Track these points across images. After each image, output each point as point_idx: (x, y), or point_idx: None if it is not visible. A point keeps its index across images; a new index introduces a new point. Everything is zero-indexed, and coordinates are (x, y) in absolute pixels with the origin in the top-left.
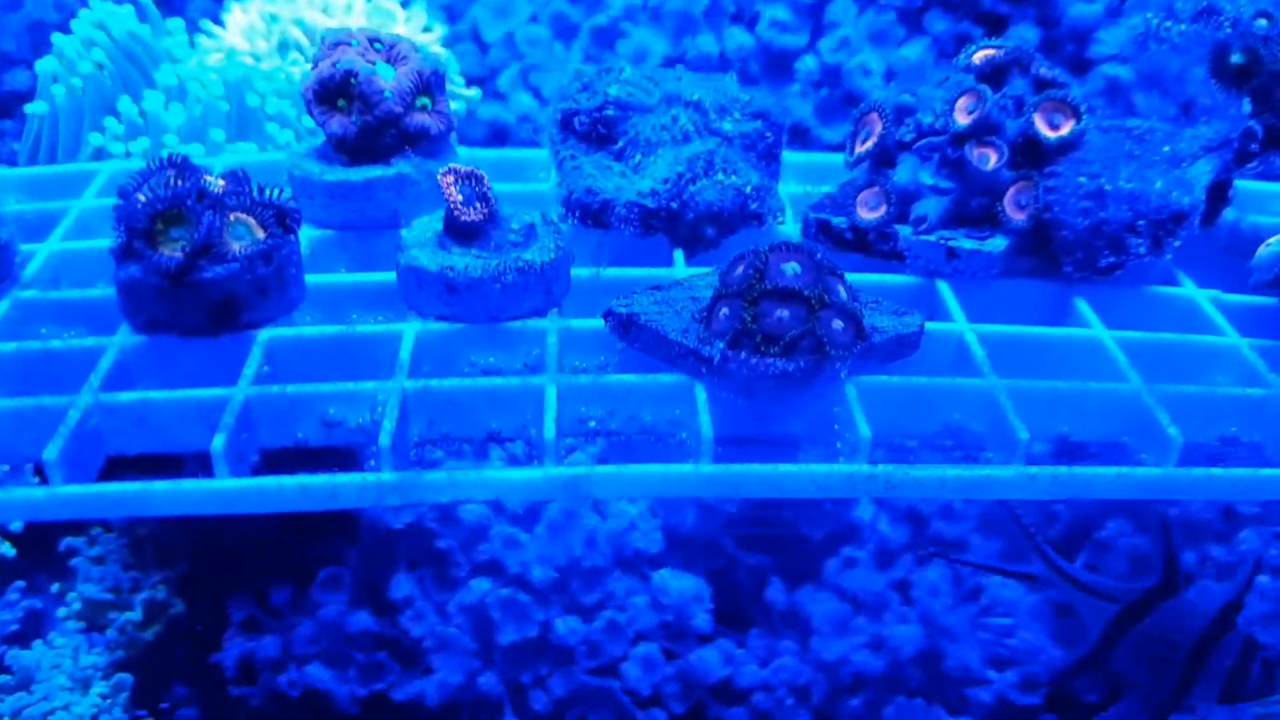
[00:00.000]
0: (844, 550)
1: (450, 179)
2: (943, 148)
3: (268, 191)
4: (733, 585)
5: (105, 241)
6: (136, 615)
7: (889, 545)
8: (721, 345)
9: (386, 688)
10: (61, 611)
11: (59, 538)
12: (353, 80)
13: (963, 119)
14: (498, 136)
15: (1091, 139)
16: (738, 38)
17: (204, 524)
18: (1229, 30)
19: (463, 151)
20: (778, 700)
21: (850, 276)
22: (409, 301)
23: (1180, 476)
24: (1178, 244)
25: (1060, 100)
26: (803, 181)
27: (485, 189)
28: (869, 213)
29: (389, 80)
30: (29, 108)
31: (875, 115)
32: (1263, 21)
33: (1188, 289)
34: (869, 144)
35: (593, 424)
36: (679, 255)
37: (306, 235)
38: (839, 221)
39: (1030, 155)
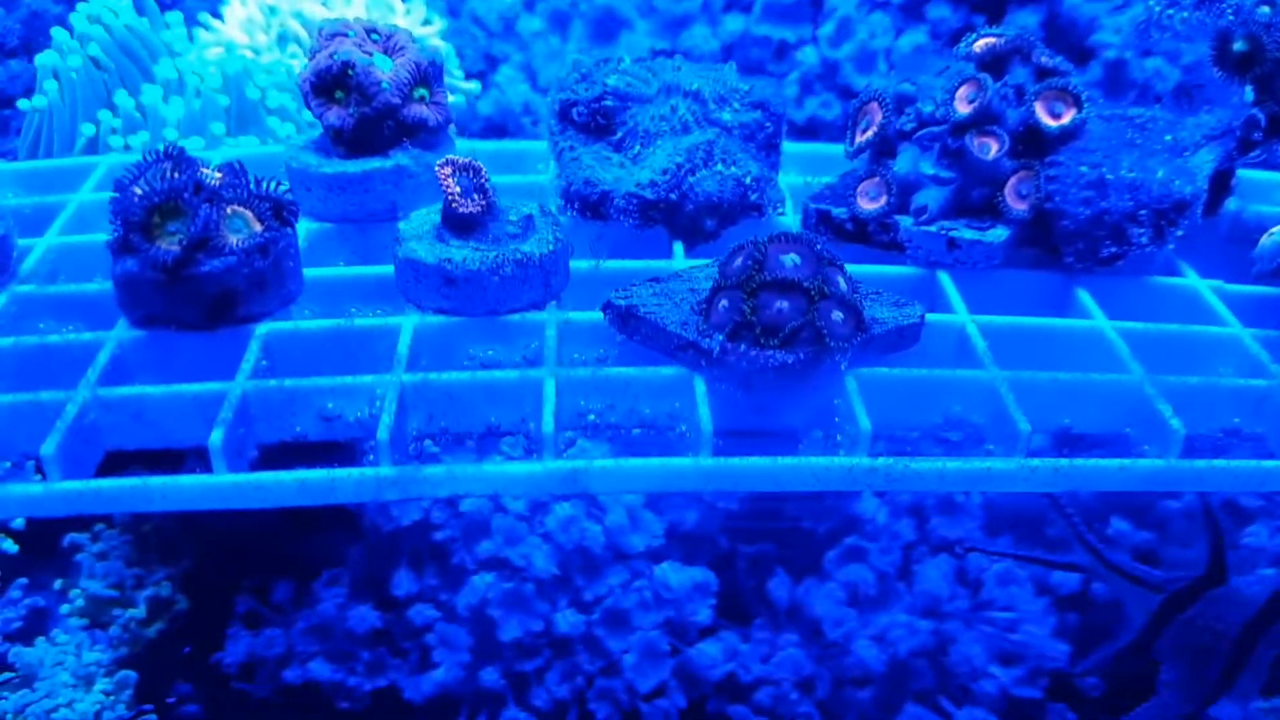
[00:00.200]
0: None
1: (448, 171)
2: (943, 137)
3: (265, 184)
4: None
5: (103, 235)
6: (140, 612)
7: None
8: (721, 337)
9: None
10: (64, 608)
11: (62, 534)
12: (350, 72)
13: (963, 108)
14: (498, 128)
15: (1093, 128)
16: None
17: (208, 518)
18: (1231, 18)
19: (462, 144)
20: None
21: (851, 267)
22: (407, 294)
23: (1183, 468)
24: (1180, 234)
25: (1061, 89)
26: (803, 172)
27: (483, 181)
28: (869, 203)
29: (386, 72)
30: (22, 103)
31: (875, 105)
32: (1265, 9)
33: (1190, 279)
34: (869, 134)
35: (592, 417)
36: (678, 247)
37: (305, 228)
38: (839, 212)
39: (1032, 144)
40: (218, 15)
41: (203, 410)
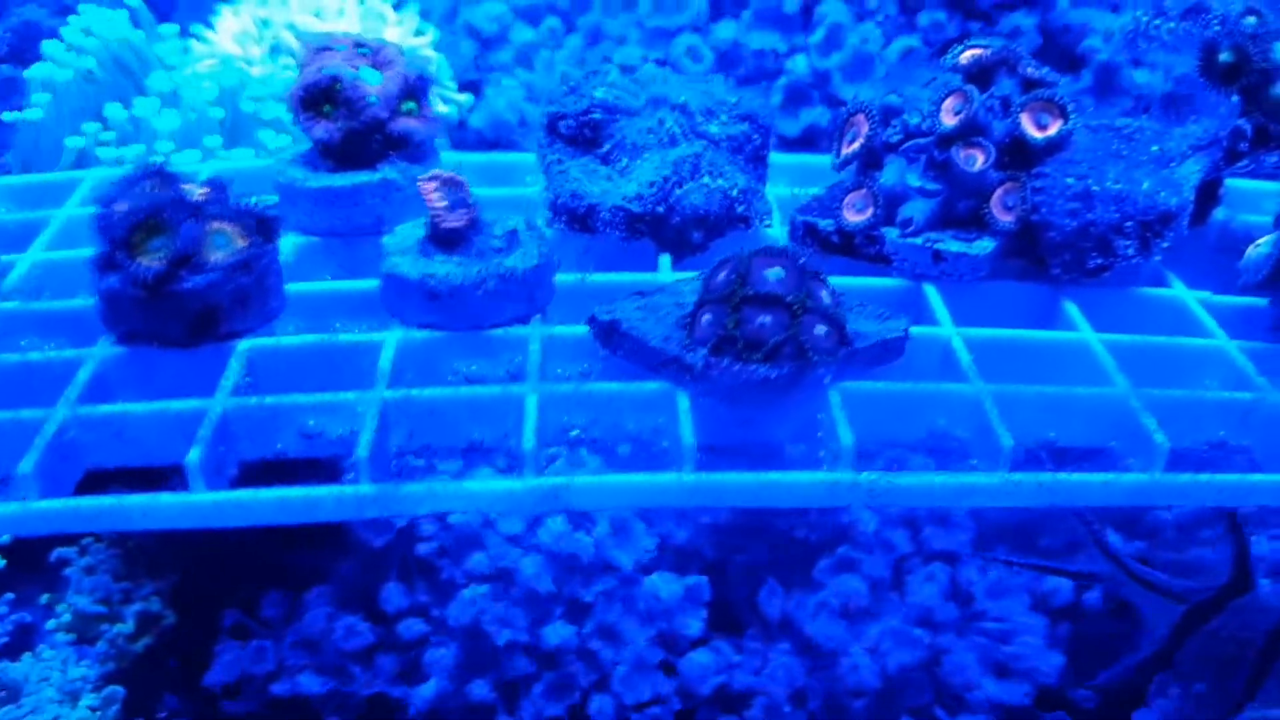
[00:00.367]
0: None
1: (431, 185)
2: (929, 149)
3: (248, 199)
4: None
5: (88, 251)
6: (128, 627)
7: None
8: (704, 352)
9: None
10: (51, 623)
11: (50, 548)
12: (337, 85)
13: (949, 120)
14: (490, 140)
15: (1079, 139)
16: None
17: (196, 533)
18: (1217, 28)
19: (453, 155)
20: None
21: (837, 280)
22: (391, 309)
23: (1167, 482)
24: (1166, 245)
25: (1048, 100)
26: (791, 183)
27: (466, 195)
28: (855, 215)
29: (374, 85)
30: (5, 116)
31: (861, 116)
32: (1251, 19)
33: (1177, 290)
34: (855, 145)
35: (576, 432)
36: (665, 259)
37: (292, 242)
38: (826, 224)
39: (1018, 156)
40: (212, 27)
41: (184, 427)
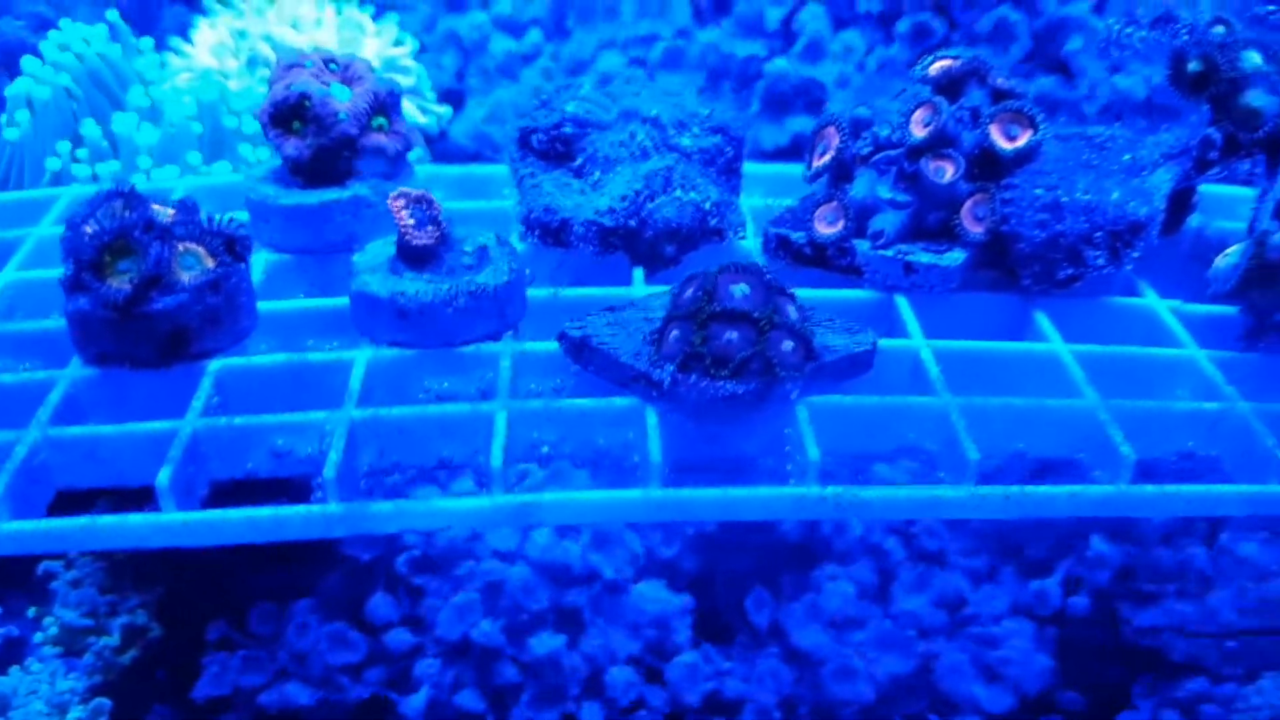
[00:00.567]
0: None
1: (400, 203)
2: (899, 161)
3: (217, 219)
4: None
5: (62, 271)
6: (114, 639)
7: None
8: (672, 368)
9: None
10: (38, 636)
11: (36, 562)
12: (306, 103)
13: (919, 131)
14: (471, 153)
15: (1049, 149)
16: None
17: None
18: (1186, 38)
19: (430, 169)
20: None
21: (809, 292)
22: (361, 328)
23: (1133, 494)
24: (1136, 255)
25: (1017, 110)
26: (767, 194)
27: (436, 212)
28: (827, 228)
29: (344, 101)
30: None
31: (832, 129)
32: (1220, 28)
33: (1148, 299)
34: (826, 158)
35: (546, 449)
36: (639, 273)
37: (264, 259)
38: (798, 236)
39: (988, 167)
40: (189, 39)
41: (155, 448)
